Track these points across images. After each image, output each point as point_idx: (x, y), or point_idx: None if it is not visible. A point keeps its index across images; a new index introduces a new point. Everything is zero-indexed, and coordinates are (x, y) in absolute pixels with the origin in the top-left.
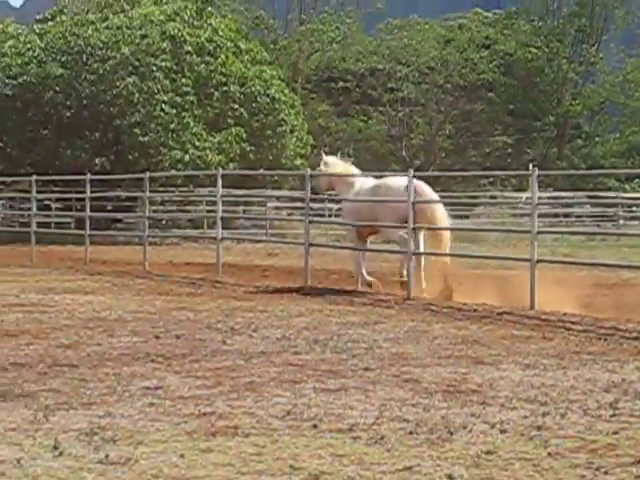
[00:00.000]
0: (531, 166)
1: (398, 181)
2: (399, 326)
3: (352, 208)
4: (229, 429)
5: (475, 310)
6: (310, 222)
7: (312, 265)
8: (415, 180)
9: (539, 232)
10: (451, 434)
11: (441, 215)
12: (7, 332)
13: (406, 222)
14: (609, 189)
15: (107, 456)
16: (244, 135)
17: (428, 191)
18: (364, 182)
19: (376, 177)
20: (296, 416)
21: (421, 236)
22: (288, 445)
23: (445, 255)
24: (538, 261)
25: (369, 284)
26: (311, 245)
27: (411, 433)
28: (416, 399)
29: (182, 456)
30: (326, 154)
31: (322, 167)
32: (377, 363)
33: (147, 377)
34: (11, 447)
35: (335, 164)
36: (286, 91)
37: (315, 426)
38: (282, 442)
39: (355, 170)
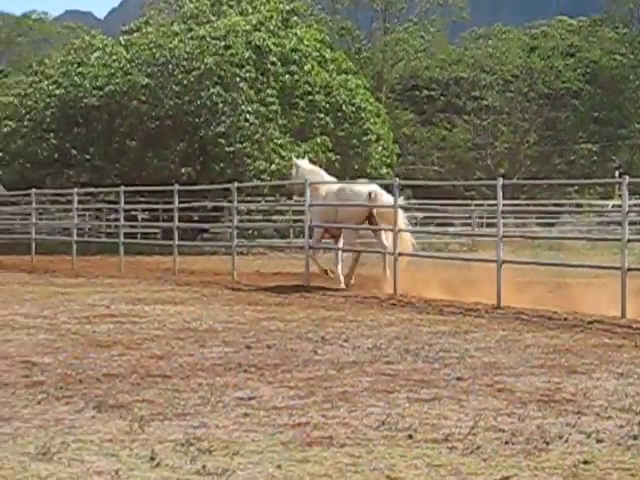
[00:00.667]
0: (617, 174)
1: (360, 187)
2: (490, 335)
3: (319, 211)
4: (324, 439)
5: (565, 319)
6: (399, 231)
7: (399, 274)
8: (376, 187)
9: (629, 240)
10: (547, 444)
11: (400, 217)
12: (99, 343)
13: (364, 223)
14: None
15: (204, 467)
16: (329, 144)
17: (386, 197)
18: (330, 187)
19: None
20: (391, 426)
21: (383, 235)
22: (384, 455)
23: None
24: (629, 269)
25: (346, 284)
26: (400, 254)
27: (507, 443)
28: (510, 409)
29: (279, 467)
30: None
31: (293, 170)
32: (469, 373)
33: (240, 387)
34: (108, 458)
35: (307, 168)
36: (371, 100)
37: (410, 436)
38: (378, 452)
39: (325, 174)
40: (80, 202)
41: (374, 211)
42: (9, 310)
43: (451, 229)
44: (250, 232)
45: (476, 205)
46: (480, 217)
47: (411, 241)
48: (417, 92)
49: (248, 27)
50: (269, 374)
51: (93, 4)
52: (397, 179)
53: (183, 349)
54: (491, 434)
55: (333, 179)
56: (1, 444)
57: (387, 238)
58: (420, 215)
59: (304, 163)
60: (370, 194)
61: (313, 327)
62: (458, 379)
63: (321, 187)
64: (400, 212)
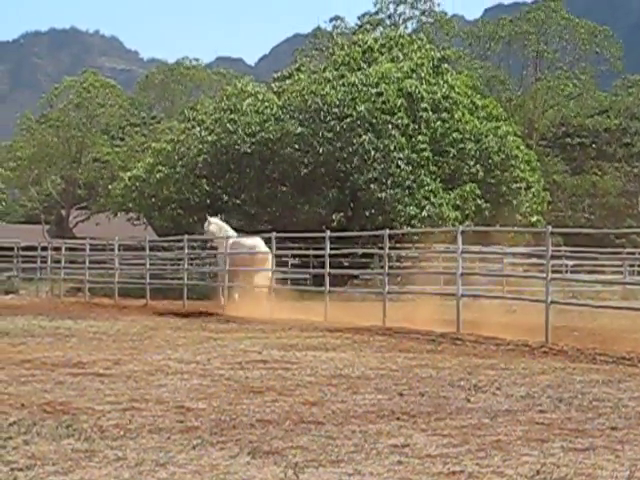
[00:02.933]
0: None
1: (246, 240)
2: None
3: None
4: None
5: None
6: (551, 279)
7: (551, 322)
8: (257, 238)
9: None
10: None
11: (268, 260)
12: (252, 389)
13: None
14: None
15: None
16: (479, 192)
17: (263, 248)
18: (230, 240)
19: (238, 236)
20: (545, 476)
21: (256, 274)
22: None
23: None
24: None
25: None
26: (552, 303)
27: None
28: None
29: None
30: (210, 216)
31: (206, 225)
32: (624, 422)
33: (393, 435)
34: None
35: (217, 223)
36: (522, 147)
37: None
38: None
39: (229, 229)
40: None
41: (255, 257)
42: (162, 355)
43: (602, 277)
44: (399, 279)
45: (628, 253)
46: (631, 265)
47: (269, 277)
48: (568, 139)
49: (400, 74)
50: (422, 422)
51: (244, 51)
52: (549, 227)
53: (336, 396)
54: None
55: (234, 234)
56: None
57: (258, 277)
58: (570, 263)
59: (215, 220)
60: (252, 247)
61: (465, 375)
62: (613, 429)
63: (227, 240)
64: (269, 257)
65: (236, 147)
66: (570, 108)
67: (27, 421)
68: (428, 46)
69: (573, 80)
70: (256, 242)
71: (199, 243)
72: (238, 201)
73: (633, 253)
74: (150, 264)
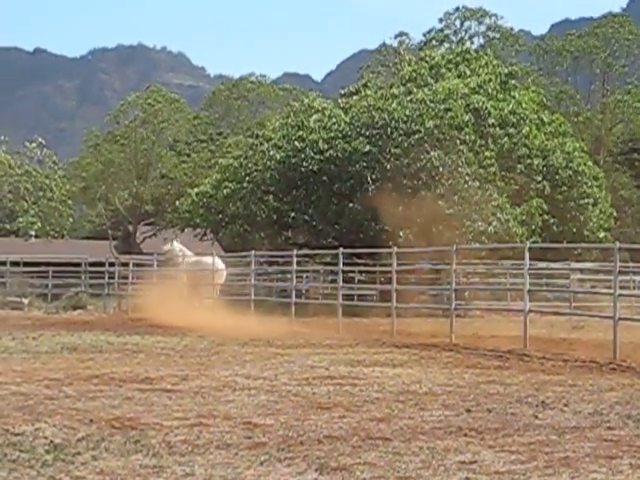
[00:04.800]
0: None
1: (205, 259)
2: None
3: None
4: None
5: None
6: (619, 295)
7: (619, 339)
8: (217, 259)
9: None
10: None
11: (221, 276)
12: (320, 404)
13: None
14: None
15: None
16: (545, 207)
17: (220, 265)
18: (190, 259)
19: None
20: None
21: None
22: None
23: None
24: None
25: None
26: (620, 319)
27: None
28: None
29: None
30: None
31: (167, 246)
32: None
33: (461, 451)
34: None
35: (175, 246)
36: (589, 163)
37: None
38: None
39: (187, 250)
40: (298, 263)
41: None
42: (230, 371)
43: None
44: (466, 294)
45: None
46: None
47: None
48: (636, 154)
49: (467, 90)
50: (490, 438)
51: (311, 67)
52: (617, 243)
53: (403, 412)
54: None
55: (192, 254)
56: None
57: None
58: (638, 279)
59: (176, 243)
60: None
61: (533, 391)
62: None
63: (186, 259)
64: (224, 273)
65: (304, 164)
66: (638, 123)
67: (95, 437)
68: (495, 62)
69: None
70: (216, 259)
71: (266, 259)
72: (305, 217)
73: None
74: None
